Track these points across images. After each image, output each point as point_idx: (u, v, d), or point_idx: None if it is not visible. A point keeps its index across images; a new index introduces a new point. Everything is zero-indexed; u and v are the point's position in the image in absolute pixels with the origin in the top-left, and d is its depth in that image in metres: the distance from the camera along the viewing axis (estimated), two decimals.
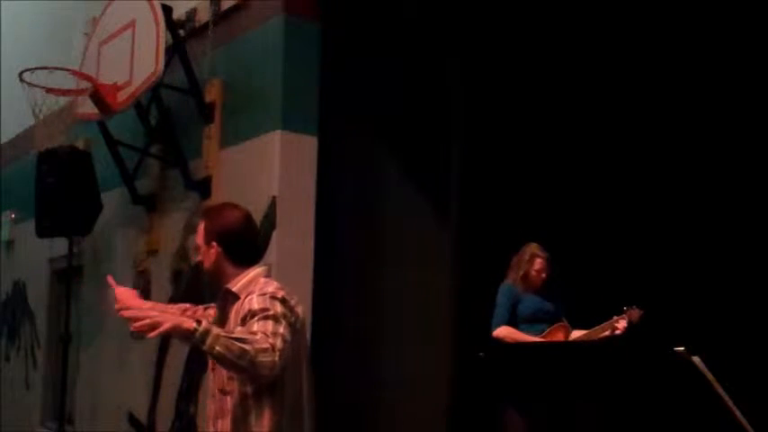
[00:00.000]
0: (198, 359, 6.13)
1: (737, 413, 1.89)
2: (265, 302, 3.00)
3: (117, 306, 3.30)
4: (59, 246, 7.62)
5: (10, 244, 9.77)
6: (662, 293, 6.01)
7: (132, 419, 6.98)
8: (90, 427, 7.62)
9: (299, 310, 3.15)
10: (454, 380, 6.59)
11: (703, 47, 6.21)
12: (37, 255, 8.68)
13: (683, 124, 6.50)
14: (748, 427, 1.91)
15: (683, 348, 1.83)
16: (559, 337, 5.63)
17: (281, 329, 2.95)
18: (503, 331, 5.63)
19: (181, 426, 6.37)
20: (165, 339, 6.39)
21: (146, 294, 6.89)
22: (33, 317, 9.23)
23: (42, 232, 7.27)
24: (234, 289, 3.17)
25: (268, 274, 3.24)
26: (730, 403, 1.88)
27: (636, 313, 5.45)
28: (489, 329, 5.72)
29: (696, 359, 1.84)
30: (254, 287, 3.12)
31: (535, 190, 6.75)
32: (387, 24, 6.30)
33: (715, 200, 6.31)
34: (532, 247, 5.80)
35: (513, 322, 5.67)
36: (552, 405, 2.17)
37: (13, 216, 9.62)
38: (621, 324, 5.44)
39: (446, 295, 6.67)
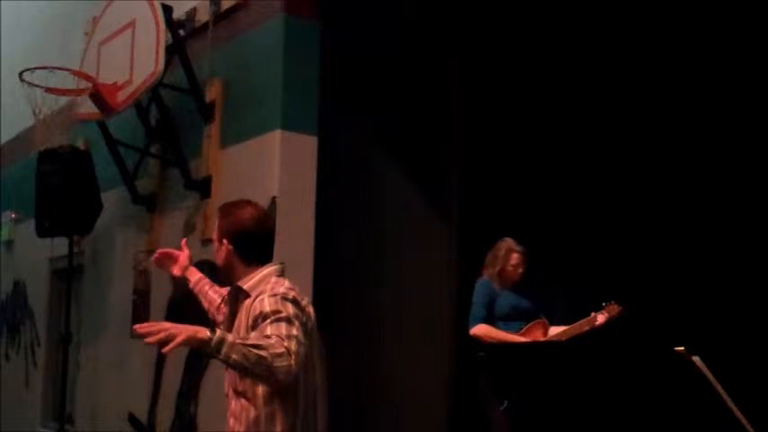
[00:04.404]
0: (198, 359, 6.14)
1: (737, 413, 1.89)
2: (277, 304, 2.95)
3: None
4: (59, 246, 7.61)
5: (10, 244, 9.77)
6: (652, 290, 6.02)
7: (132, 419, 6.98)
8: (90, 427, 7.61)
9: (310, 310, 3.11)
10: (454, 380, 6.59)
11: (700, 47, 6.21)
12: (37, 255, 8.68)
13: (676, 120, 6.50)
14: (748, 426, 1.91)
15: (682, 348, 1.83)
16: (538, 334, 5.48)
17: (295, 331, 2.89)
18: (480, 330, 5.47)
19: (181, 426, 6.37)
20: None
21: (146, 294, 6.91)
22: (33, 316, 9.23)
23: (42, 232, 7.26)
24: (245, 287, 3.12)
25: (281, 273, 3.17)
26: (730, 403, 1.88)
27: (615, 309, 5.36)
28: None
29: (696, 359, 1.84)
30: (265, 286, 3.06)
31: (535, 188, 6.76)
32: (387, 24, 6.30)
33: (704, 197, 6.30)
34: (508, 242, 5.65)
35: (490, 320, 5.52)
36: (551, 405, 2.17)
37: (14, 216, 9.61)
38: (600, 319, 5.35)
39: (446, 295, 6.68)
